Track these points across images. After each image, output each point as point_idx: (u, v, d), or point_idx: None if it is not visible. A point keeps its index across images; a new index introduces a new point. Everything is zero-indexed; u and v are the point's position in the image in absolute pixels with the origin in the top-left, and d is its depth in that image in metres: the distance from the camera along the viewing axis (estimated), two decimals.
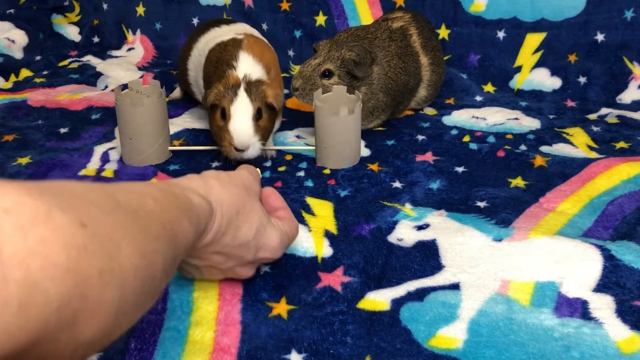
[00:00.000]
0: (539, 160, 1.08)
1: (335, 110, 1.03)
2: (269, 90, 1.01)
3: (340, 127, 1.04)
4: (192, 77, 1.24)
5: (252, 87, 1.00)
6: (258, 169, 0.89)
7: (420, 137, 1.19)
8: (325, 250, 0.84)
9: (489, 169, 1.06)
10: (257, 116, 1.00)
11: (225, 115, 0.99)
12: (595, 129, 1.22)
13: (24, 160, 1.09)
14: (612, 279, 0.76)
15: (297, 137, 1.22)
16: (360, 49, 1.15)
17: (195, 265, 0.70)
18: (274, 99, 1.02)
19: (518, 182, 1.01)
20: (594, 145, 1.15)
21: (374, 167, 1.07)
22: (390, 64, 1.19)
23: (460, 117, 1.30)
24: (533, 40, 1.41)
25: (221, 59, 1.07)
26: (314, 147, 1.10)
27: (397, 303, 0.73)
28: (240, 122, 0.98)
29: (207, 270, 0.71)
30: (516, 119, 1.28)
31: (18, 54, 1.64)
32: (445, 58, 1.48)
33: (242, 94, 0.99)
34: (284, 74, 1.29)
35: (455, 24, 1.47)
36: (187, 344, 0.67)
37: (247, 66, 1.03)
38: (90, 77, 1.55)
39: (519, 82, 1.44)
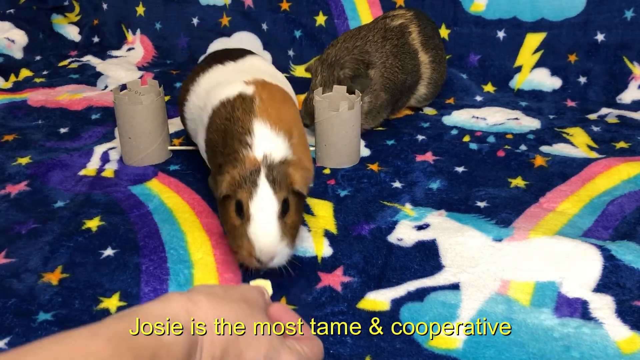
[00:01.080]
0: (539, 160, 1.08)
1: (335, 106, 1.03)
2: (296, 174, 0.77)
3: (339, 123, 1.04)
4: (191, 129, 1.02)
5: (275, 171, 0.76)
6: (268, 282, 0.66)
7: (420, 137, 1.19)
8: (325, 250, 0.84)
9: (489, 169, 1.06)
10: (283, 210, 0.76)
11: (242, 212, 0.75)
12: (595, 129, 1.22)
13: (24, 160, 1.09)
14: (612, 279, 0.76)
15: None
16: (352, 62, 1.14)
17: None
18: (302, 184, 0.77)
19: (518, 182, 1.01)
20: (594, 145, 1.15)
21: (374, 167, 1.07)
22: (386, 64, 1.18)
23: (460, 117, 1.30)
24: (533, 40, 1.41)
25: (230, 131, 0.82)
26: (313, 148, 1.10)
27: (397, 303, 0.73)
28: (263, 226, 0.74)
29: None
30: (516, 119, 1.28)
31: (18, 54, 1.64)
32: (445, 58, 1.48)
33: (263, 184, 0.75)
34: (285, 74, 1.29)
35: (455, 24, 1.47)
36: None
37: (266, 142, 0.78)
38: (90, 77, 1.55)
39: (519, 82, 1.43)
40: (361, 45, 1.18)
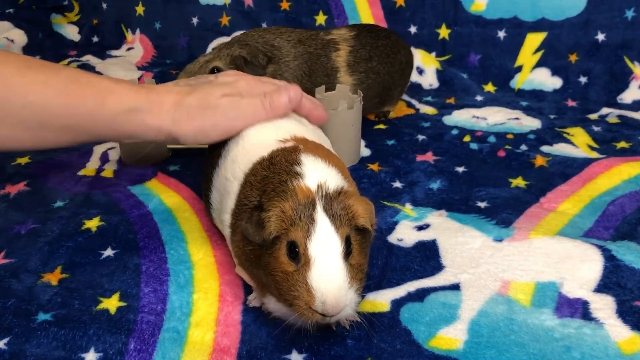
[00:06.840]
0: (539, 160, 1.08)
1: (334, 105, 1.03)
2: (358, 206, 0.64)
3: (339, 122, 1.03)
4: (216, 206, 0.80)
5: (333, 203, 0.64)
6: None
7: (420, 137, 1.19)
8: None
9: (489, 169, 1.06)
10: (347, 250, 0.63)
11: (297, 255, 0.62)
12: (596, 128, 1.22)
13: (23, 160, 1.09)
14: (613, 279, 0.75)
15: None
16: (253, 49, 1.10)
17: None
18: (367, 218, 0.65)
19: (519, 182, 1.01)
20: (595, 145, 1.15)
21: (374, 167, 1.07)
22: (290, 65, 1.13)
23: (460, 117, 1.30)
24: (534, 39, 1.41)
25: (273, 174, 0.68)
26: None
27: (397, 304, 0.73)
28: (327, 270, 0.61)
29: None
30: (517, 118, 1.27)
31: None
32: (445, 58, 1.48)
33: (321, 218, 0.62)
34: None
35: (455, 24, 1.46)
36: (187, 345, 0.67)
37: (318, 171, 0.67)
38: None
39: (519, 81, 1.43)
40: (270, 38, 1.14)
